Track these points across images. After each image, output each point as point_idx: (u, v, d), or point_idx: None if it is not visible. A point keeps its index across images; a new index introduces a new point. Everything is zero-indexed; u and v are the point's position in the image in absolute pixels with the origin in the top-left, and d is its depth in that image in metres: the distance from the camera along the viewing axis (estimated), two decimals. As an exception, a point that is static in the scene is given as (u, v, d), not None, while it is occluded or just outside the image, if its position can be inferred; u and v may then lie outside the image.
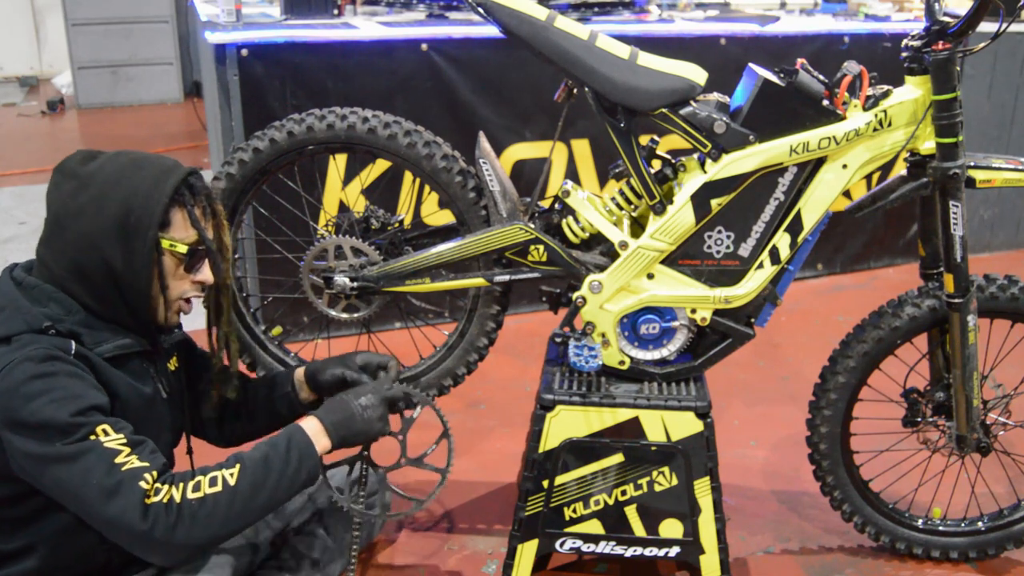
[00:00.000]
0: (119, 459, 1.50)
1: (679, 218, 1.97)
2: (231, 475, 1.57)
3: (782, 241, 2.00)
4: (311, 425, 1.70)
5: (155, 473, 1.52)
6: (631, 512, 2.02)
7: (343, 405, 1.76)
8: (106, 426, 1.52)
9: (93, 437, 1.50)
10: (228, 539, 1.61)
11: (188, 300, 1.74)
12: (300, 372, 1.99)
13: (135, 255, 1.61)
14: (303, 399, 1.98)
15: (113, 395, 1.61)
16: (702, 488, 2.00)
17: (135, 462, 1.51)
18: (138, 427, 1.61)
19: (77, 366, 1.56)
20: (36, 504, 1.60)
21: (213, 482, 1.55)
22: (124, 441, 1.52)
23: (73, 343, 1.58)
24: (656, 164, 2.05)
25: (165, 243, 1.64)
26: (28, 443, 1.50)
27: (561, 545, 2.05)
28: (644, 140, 2.02)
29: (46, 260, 1.63)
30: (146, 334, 1.71)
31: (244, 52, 3.13)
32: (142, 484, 1.49)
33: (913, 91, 1.96)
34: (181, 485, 1.53)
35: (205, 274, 1.72)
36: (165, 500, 1.50)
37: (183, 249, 1.66)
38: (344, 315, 2.11)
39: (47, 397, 1.49)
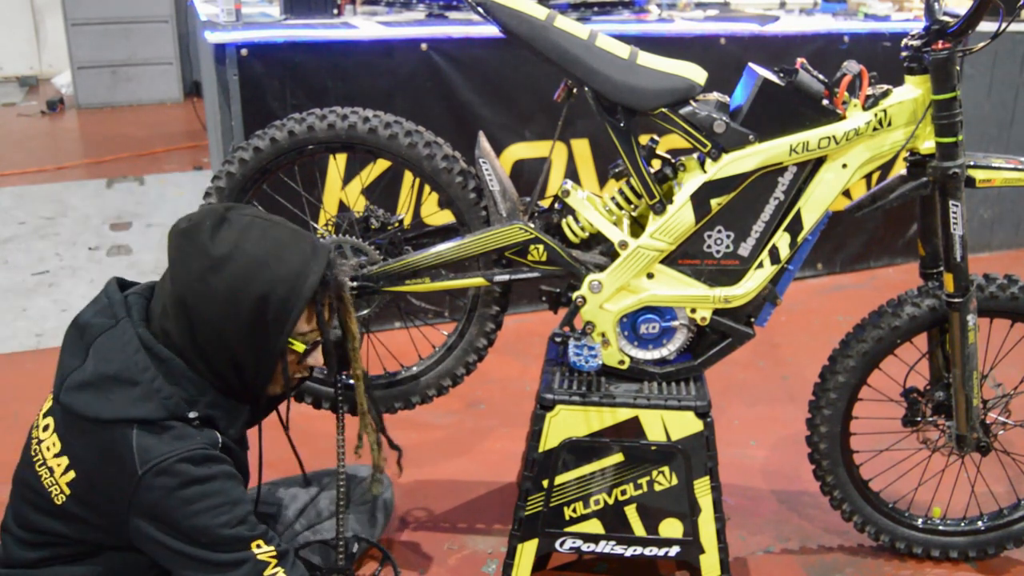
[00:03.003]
0: (268, 572, 1.54)
1: (679, 218, 1.97)
2: None
3: (782, 241, 2.00)
4: None
5: None
6: (631, 512, 2.02)
7: None
8: (260, 541, 1.54)
9: (248, 550, 1.53)
10: None
11: (299, 379, 1.73)
12: None
13: (263, 353, 1.58)
14: None
15: (241, 472, 1.63)
16: (702, 488, 2.00)
17: None
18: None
19: (227, 462, 1.56)
20: (116, 546, 1.62)
21: None
22: (273, 553, 1.55)
23: (218, 434, 1.57)
24: (656, 164, 2.05)
25: (289, 341, 1.61)
26: (174, 542, 1.51)
27: (561, 545, 2.05)
28: (644, 140, 2.02)
29: (169, 332, 1.57)
30: (253, 402, 1.70)
31: (244, 52, 3.12)
32: None
33: (913, 91, 1.96)
34: None
35: (317, 359, 1.69)
36: None
37: (301, 348, 1.63)
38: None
39: (205, 503, 1.50)
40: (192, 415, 1.54)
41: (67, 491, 1.55)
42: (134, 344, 1.54)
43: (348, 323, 1.72)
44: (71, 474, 1.54)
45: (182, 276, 1.54)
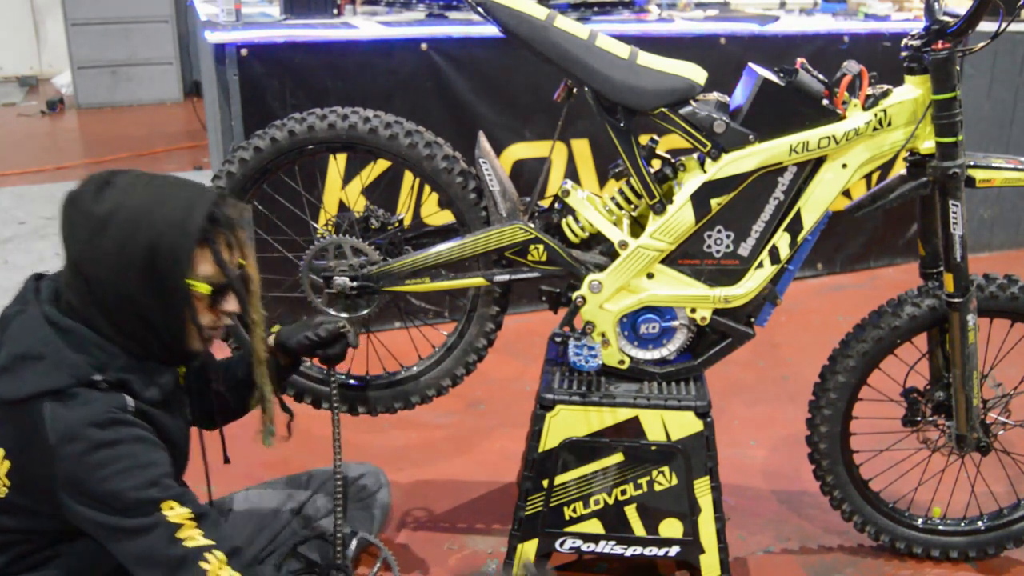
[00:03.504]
0: (181, 533, 1.50)
1: (679, 217, 1.97)
2: None
3: (782, 240, 2.00)
4: None
5: (221, 555, 1.51)
6: (631, 512, 2.02)
7: None
8: (172, 503, 1.51)
9: (158, 512, 1.50)
10: None
11: (217, 328, 1.68)
12: (272, 340, 1.96)
13: (167, 302, 1.55)
14: (282, 364, 1.97)
15: (167, 441, 1.60)
16: (702, 488, 2.00)
17: (199, 539, 1.51)
18: (179, 461, 1.63)
19: (139, 426, 1.54)
20: (67, 533, 1.60)
21: None
22: (190, 515, 1.52)
23: (128, 398, 1.55)
24: (656, 164, 2.05)
25: (190, 284, 1.57)
26: (92, 512, 1.49)
27: (561, 545, 2.05)
28: (644, 140, 2.02)
29: (73, 304, 1.56)
30: (179, 363, 1.69)
31: (244, 52, 3.12)
32: (204, 565, 1.49)
33: (913, 90, 1.96)
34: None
35: (232, 304, 1.65)
36: None
37: (207, 290, 1.59)
38: (343, 315, 2.11)
39: (113, 467, 1.47)
40: (98, 378, 1.52)
41: (7, 482, 1.54)
42: (39, 321, 1.55)
43: (246, 266, 1.66)
44: (7, 464, 1.54)
45: (72, 243, 1.54)
